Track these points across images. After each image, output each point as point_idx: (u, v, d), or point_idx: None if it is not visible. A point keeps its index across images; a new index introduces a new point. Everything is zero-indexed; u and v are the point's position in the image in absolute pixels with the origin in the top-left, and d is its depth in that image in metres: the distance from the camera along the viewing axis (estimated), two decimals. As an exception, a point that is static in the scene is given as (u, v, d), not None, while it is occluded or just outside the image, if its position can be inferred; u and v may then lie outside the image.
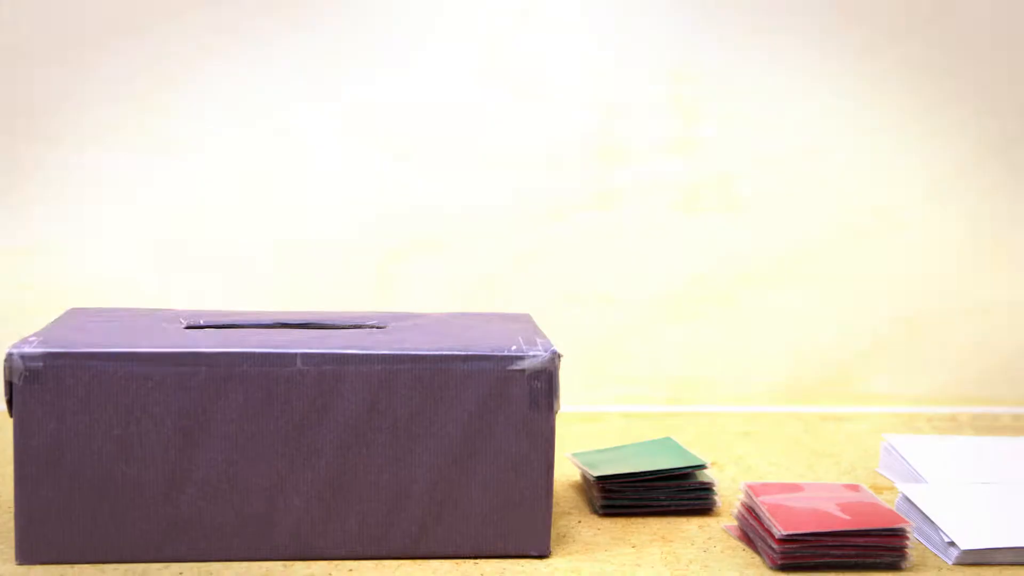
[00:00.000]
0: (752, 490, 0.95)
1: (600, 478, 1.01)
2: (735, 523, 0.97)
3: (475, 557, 0.89)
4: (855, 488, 0.98)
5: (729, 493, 1.05)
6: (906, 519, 0.91)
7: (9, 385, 0.85)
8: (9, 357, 0.85)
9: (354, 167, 1.38)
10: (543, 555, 0.89)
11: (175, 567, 0.86)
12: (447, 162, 1.39)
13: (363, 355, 0.87)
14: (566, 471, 1.10)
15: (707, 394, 1.43)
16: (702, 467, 1.02)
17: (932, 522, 0.94)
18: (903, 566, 0.90)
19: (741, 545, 0.94)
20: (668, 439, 1.12)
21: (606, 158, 1.40)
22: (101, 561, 0.86)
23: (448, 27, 1.38)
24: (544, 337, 0.93)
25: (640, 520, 0.99)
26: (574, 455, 1.09)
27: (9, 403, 0.85)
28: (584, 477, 1.05)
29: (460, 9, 1.38)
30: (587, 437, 1.26)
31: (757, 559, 0.91)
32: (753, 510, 0.93)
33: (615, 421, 1.34)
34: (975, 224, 1.45)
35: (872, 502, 0.95)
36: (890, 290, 1.46)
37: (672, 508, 1.00)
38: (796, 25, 1.41)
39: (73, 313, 0.99)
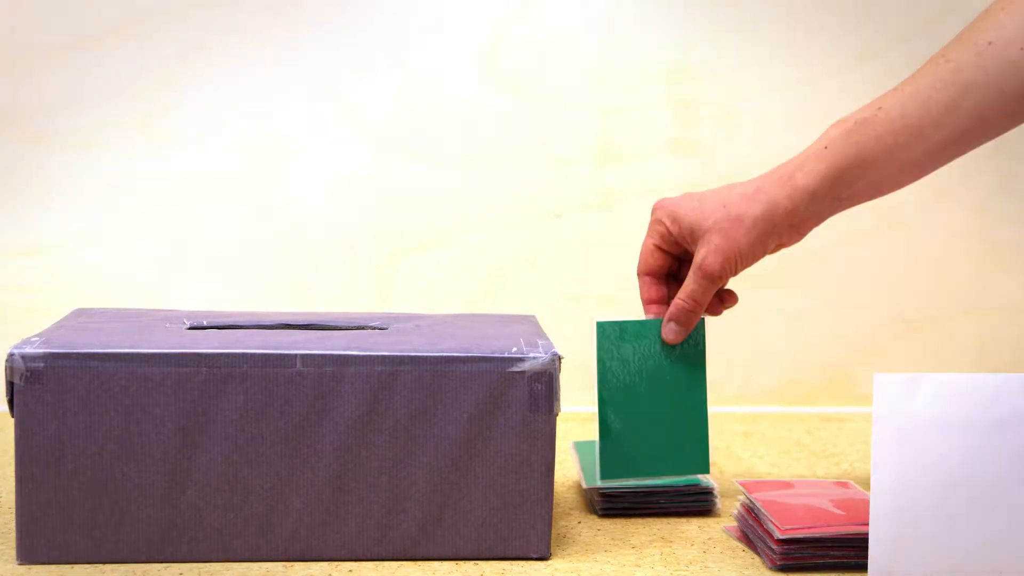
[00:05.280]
0: (746, 487, 0.96)
1: (591, 488, 1.01)
2: (735, 524, 0.97)
3: (475, 559, 0.89)
4: (845, 485, 1.00)
5: (729, 494, 1.06)
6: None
7: (10, 385, 0.85)
8: (10, 357, 0.85)
9: (354, 167, 1.39)
10: (543, 557, 0.89)
11: (175, 567, 0.86)
12: (447, 162, 1.39)
13: (363, 356, 0.87)
14: (567, 471, 1.10)
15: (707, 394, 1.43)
16: (698, 478, 1.02)
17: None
18: (902, 567, 0.90)
19: (741, 546, 0.94)
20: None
21: (606, 158, 1.40)
22: (101, 561, 0.86)
23: (448, 27, 1.38)
24: (546, 338, 0.93)
25: (640, 521, 0.99)
26: (575, 444, 1.09)
27: (10, 403, 0.85)
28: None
29: (460, 9, 1.38)
30: (587, 438, 1.26)
31: (757, 560, 0.91)
32: (752, 510, 0.93)
33: (615, 421, 1.34)
34: (975, 224, 1.45)
35: (864, 498, 0.95)
36: (890, 290, 1.46)
37: (672, 511, 1.00)
38: (796, 25, 1.41)
39: (77, 314, 0.99)
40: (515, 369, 0.88)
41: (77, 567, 0.86)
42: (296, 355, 0.86)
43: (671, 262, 1.00)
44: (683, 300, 0.97)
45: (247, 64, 1.37)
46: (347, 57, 1.38)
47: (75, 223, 1.36)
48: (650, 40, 1.40)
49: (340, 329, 0.97)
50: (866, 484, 1.10)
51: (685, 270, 0.98)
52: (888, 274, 1.46)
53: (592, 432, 1.29)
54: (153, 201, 1.37)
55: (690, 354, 0.99)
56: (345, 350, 0.87)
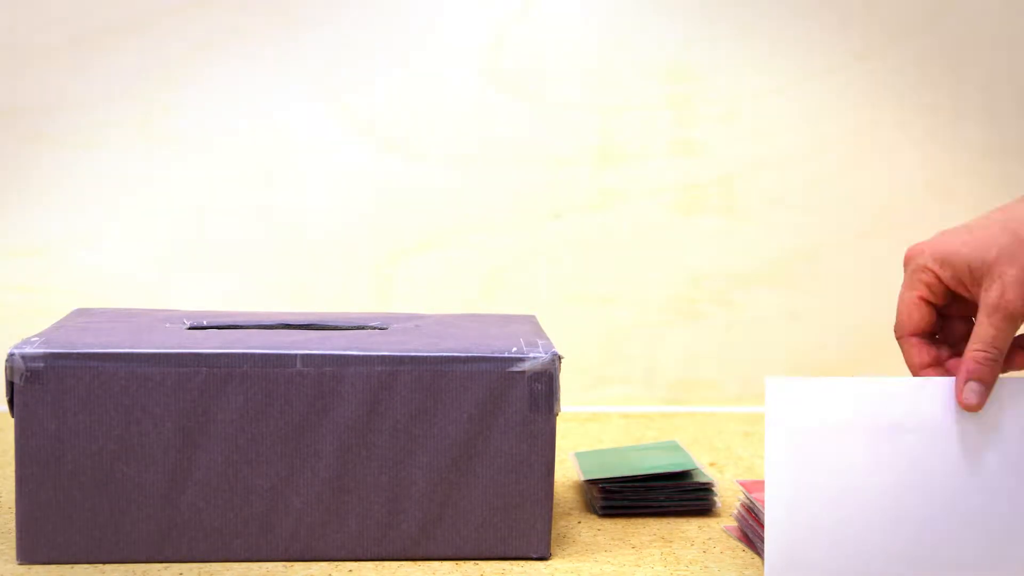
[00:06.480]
0: (745, 487, 0.96)
1: (590, 480, 1.01)
2: (735, 524, 0.97)
3: (475, 559, 0.89)
4: None
5: (729, 494, 1.06)
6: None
7: (10, 385, 0.85)
8: (10, 357, 0.85)
9: (354, 167, 1.39)
10: (543, 557, 0.89)
11: (175, 567, 0.86)
12: (447, 162, 1.39)
13: (363, 356, 0.87)
14: (567, 472, 1.10)
15: (707, 395, 1.43)
16: (695, 469, 1.02)
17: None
18: (902, 567, 0.90)
19: (741, 546, 0.94)
20: (673, 442, 1.12)
21: (606, 158, 1.40)
22: (101, 561, 0.86)
23: (448, 27, 1.38)
24: (546, 338, 0.93)
25: (640, 521, 0.99)
26: (575, 454, 1.09)
27: (10, 403, 0.85)
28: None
29: (460, 9, 1.38)
30: (587, 438, 1.26)
31: (756, 560, 0.91)
32: (752, 510, 0.94)
33: (615, 422, 1.34)
34: (975, 224, 1.45)
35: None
36: (890, 290, 1.46)
37: (672, 509, 1.00)
38: (796, 25, 1.41)
39: (77, 313, 0.99)
40: (515, 369, 0.88)
41: (77, 567, 0.86)
42: (296, 355, 0.86)
43: (938, 318, 0.86)
44: (982, 349, 0.81)
45: (247, 64, 1.37)
46: (347, 57, 1.38)
47: (75, 223, 1.36)
48: (650, 40, 1.40)
49: (340, 329, 0.97)
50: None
51: (952, 328, 0.86)
52: (888, 274, 1.45)
53: (591, 433, 1.29)
54: (153, 201, 1.37)
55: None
56: (345, 350, 0.87)
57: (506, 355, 0.88)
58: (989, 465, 0.84)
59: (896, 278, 1.46)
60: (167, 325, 0.95)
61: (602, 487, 1.00)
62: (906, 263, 0.86)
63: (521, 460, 0.88)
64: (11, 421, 0.86)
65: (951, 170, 1.44)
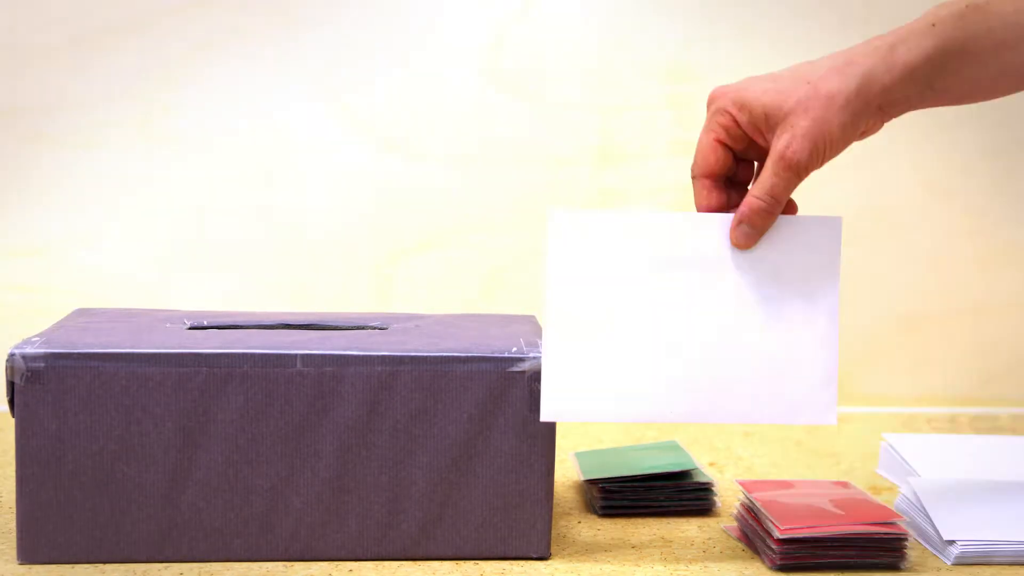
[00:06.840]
0: (745, 487, 0.96)
1: (590, 480, 1.01)
2: (735, 523, 0.97)
3: (475, 559, 0.89)
4: (845, 485, 1.00)
5: (729, 494, 1.06)
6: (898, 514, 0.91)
7: (11, 385, 0.85)
8: (11, 357, 0.85)
9: (354, 167, 1.39)
10: (543, 557, 0.89)
11: (175, 567, 0.86)
12: (447, 162, 1.40)
13: (363, 356, 0.87)
14: (567, 472, 1.10)
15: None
16: (694, 469, 1.02)
17: (931, 520, 0.94)
18: (902, 566, 0.90)
19: (741, 545, 0.94)
20: (673, 442, 1.12)
21: (606, 158, 1.40)
22: (101, 561, 0.86)
23: (448, 27, 1.38)
24: (545, 339, 0.93)
25: (640, 521, 0.99)
26: (575, 454, 1.09)
27: (11, 403, 0.86)
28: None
29: (460, 9, 1.38)
30: (587, 438, 1.26)
31: (757, 560, 0.91)
32: (752, 510, 0.94)
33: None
34: (975, 224, 1.45)
35: (863, 498, 0.95)
36: (889, 290, 1.46)
37: (672, 509, 1.00)
38: (796, 25, 1.41)
39: (78, 313, 0.99)
40: (515, 369, 0.88)
41: (77, 567, 0.86)
42: (296, 355, 0.87)
43: (733, 162, 0.86)
44: (759, 197, 0.82)
45: (247, 64, 1.37)
46: (347, 57, 1.38)
47: (75, 223, 1.36)
48: (650, 40, 1.40)
49: (340, 329, 0.97)
50: (866, 484, 1.10)
51: (745, 172, 0.87)
52: (887, 274, 1.46)
53: (591, 433, 1.29)
54: (153, 201, 1.37)
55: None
56: (345, 350, 0.87)
57: (506, 355, 0.88)
58: (765, 302, 0.87)
59: (895, 277, 1.46)
60: (167, 325, 0.95)
61: (602, 487, 1.00)
62: (708, 104, 0.86)
63: (521, 460, 0.88)
64: (11, 421, 0.86)
65: (950, 170, 1.44)
